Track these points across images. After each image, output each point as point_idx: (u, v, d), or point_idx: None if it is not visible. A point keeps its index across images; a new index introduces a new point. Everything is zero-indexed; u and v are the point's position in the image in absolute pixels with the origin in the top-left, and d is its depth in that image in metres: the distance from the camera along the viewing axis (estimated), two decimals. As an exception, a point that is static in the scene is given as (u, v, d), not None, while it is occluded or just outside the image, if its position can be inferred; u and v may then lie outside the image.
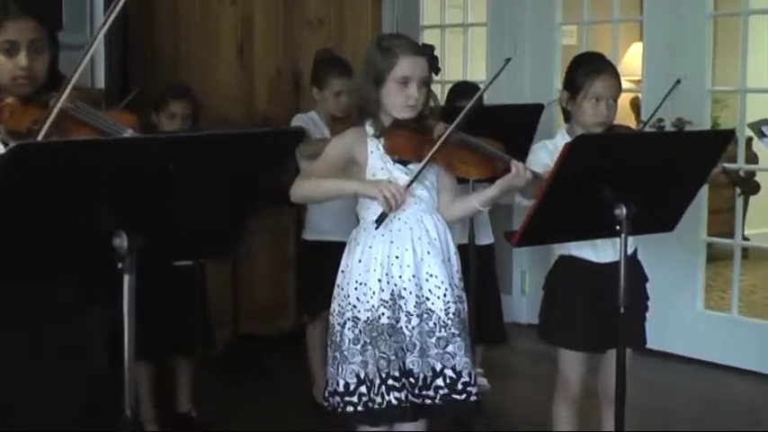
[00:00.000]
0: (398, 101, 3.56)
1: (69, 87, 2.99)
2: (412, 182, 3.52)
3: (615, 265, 3.40)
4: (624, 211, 3.21)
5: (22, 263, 2.48)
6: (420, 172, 3.54)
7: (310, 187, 3.63)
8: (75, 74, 3.01)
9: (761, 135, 3.46)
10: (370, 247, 3.58)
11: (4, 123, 3.07)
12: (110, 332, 2.93)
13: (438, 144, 3.52)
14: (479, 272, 4.91)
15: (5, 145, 3.03)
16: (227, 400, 5.37)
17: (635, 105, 7.65)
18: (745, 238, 7.15)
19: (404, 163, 3.57)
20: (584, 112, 3.85)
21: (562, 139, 3.79)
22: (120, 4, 2.85)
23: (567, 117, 3.97)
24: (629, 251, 3.77)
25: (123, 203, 2.44)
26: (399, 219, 3.58)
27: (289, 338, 6.03)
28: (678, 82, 4.08)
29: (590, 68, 3.88)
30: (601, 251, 3.84)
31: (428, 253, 3.59)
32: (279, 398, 5.47)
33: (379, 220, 3.49)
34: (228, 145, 2.56)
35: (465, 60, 7.24)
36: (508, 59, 3.79)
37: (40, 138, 2.92)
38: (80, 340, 3.23)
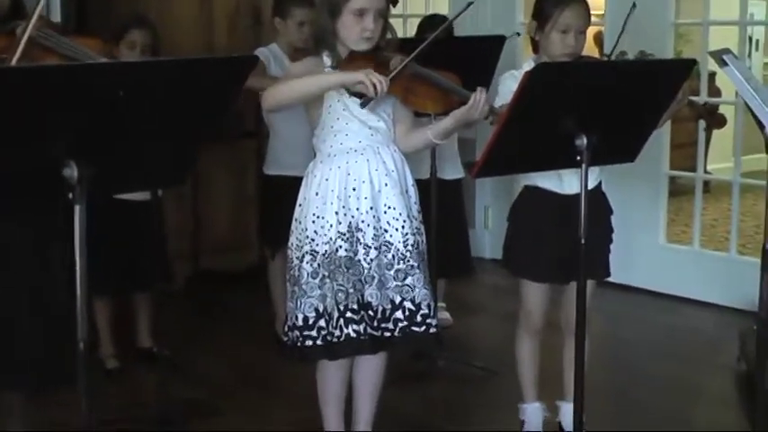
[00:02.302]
0: (354, 32, 3.51)
1: (37, 13, 2.97)
2: (395, 73, 3.46)
3: (579, 196, 3.38)
4: (585, 140, 3.18)
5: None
6: (413, 57, 3.51)
7: (287, 88, 3.50)
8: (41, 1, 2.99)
9: (722, 63, 3.43)
10: (327, 179, 3.55)
11: None
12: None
13: (392, 74, 3.47)
14: (446, 206, 4.91)
15: None
16: (188, 335, 5.35)
17: (598, 39, 7.63)
18: (707, 173, 7.16)
19: (359, 95, 3.52)
20: (552, 43, 3.80)
21: (528, 68, 3.75)
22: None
23: (536, 47, 3.93)
24: (594, 183, 3.78)
25: (73, 132, 2.40)
26: (356, 151, 3.55)
27: (250, 274, 6.02)
28: (634, 6, 4.05)
29: None
30: (565, 182, 3.82)
31: (386, 185, 3.55)
32: (241, 333, 5.47)
33: (365, 102, 3.43)
34: (180, 71, 2.52)
35: (427, -7, 7.17)
36: (470, 3, 3.74)
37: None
38: (44, 278, 3.20)
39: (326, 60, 3.56)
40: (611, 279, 4.06)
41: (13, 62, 2.90)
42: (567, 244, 3.53)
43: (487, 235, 6.89)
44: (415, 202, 3.66)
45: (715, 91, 7.64)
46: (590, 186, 3.41)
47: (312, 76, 3.50)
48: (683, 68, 3.44)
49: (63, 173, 2.40)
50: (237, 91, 2.64)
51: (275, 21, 5.12)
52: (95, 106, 2.39)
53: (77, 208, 2.42)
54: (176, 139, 2.63)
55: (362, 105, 3.46)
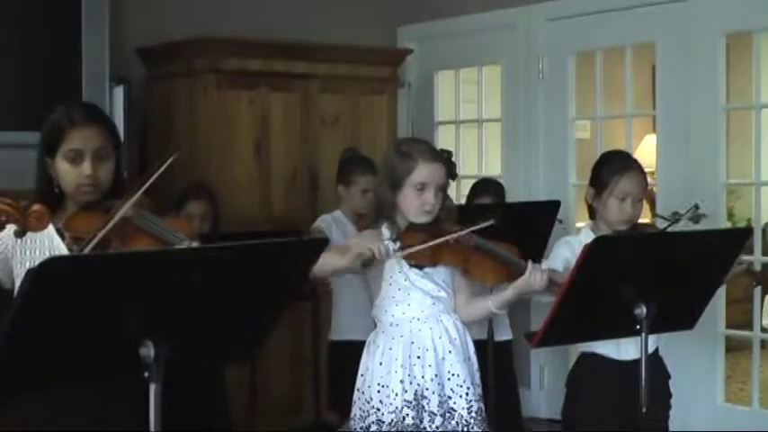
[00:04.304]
0: (415, 206, 3.59)
1: (136, 197, 3.04)
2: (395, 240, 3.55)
3: (637, 362, 3.40)
4: (644, 310, 3.22)
5: (47, 374, 2.49)
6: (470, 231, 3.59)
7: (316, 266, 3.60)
8: (144, 185, 3.08)
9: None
10: (390, 348, 3.59)
11: (69, 230, 3.10)
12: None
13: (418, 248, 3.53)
14: (498, 368, 4.91)
15: (70, 251, 3.09)
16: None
17: (650, 198, 7.66)
18: (763, 329, 7.10)
19: (420, 267, 3.59)
20: (610, 210, 3.87)
21: (586, 236, 3.82)
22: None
23: (593, 214, 3.99)
24: (651, 349, 3.79)
25: (149, 314, 2.46)
26: (419, 320, 3.60)
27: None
28: (696, 207, 4.12)
29: (616, 167, 3.92)
30: (622, 349, 3.84)
31: (449, 352, 3.59)
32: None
33: (366, 265, 3.49)
34: (252, 255, 2.58)
35: (480, 155, 7.26)
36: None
37: (92, 245, 2.97)
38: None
39: (385, 232, 3.62)
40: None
41: (95, 242, 2.95)
42: (627, 412, 3.55)
43: (543, 395, 6.86)
44: (477, 370, 3.69)
45: (769, 246, 7.63)
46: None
47: (329, 255, 3.44)
48: (740, 238, 3.49)
49: (140, 352, 2.45)
50: (308, 269, 2.70)
51: (339, 188, 5.23)
52: (171, 290, 2.46)
53: (153, 387, 2.46)
54: (249, 318, 2.68)
55: (363, 265, 3.49)
